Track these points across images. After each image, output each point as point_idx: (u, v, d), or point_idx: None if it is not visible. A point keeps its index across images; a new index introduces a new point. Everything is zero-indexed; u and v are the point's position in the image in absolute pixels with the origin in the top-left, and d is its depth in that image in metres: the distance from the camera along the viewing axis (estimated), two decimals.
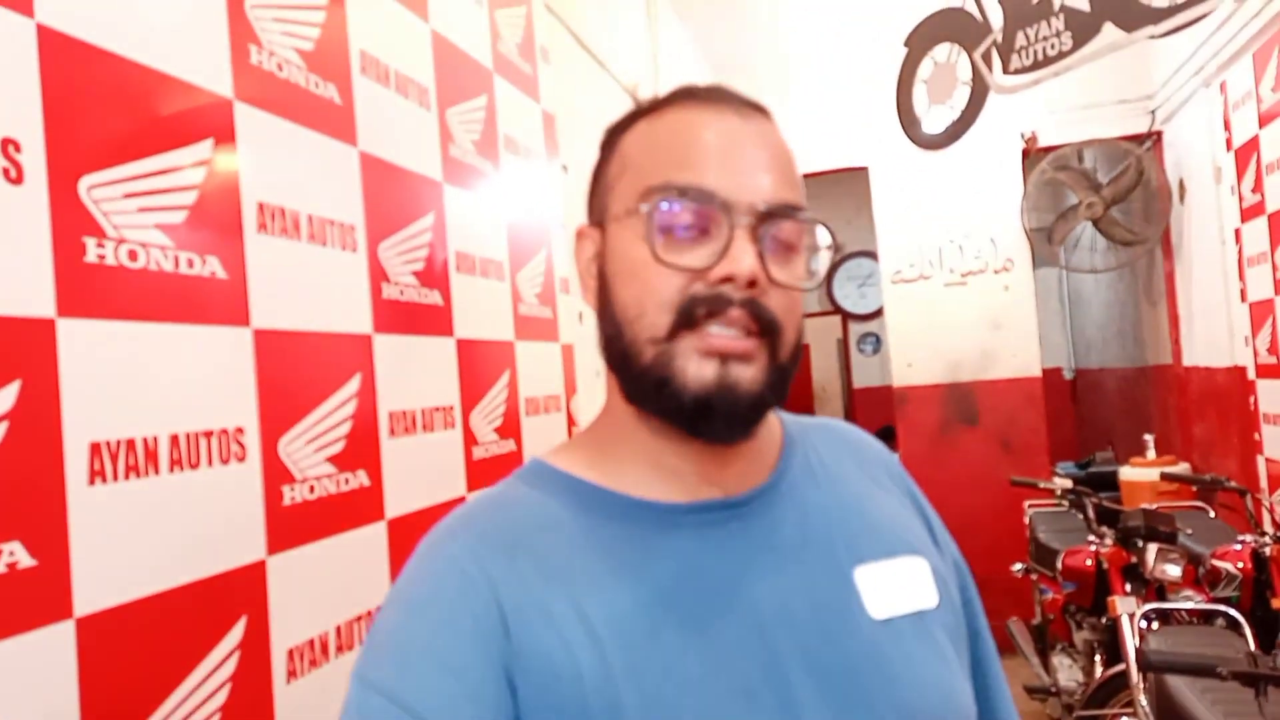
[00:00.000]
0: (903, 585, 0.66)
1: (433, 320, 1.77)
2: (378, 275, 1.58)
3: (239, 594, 1.21)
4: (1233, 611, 2.41)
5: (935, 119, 3.31)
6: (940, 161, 4.97)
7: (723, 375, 0.60)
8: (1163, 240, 4.80)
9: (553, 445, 2.16)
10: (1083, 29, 2.36)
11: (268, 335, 1.29)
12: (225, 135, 1.24)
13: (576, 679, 0.57)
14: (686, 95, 0.67)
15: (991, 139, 4.67)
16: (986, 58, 2.79)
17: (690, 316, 0.60)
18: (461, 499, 1.83)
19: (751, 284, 0.60)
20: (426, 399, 1.72)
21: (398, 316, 1.63)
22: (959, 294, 5.03)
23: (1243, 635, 2.35)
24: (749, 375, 0.61)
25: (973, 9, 2.80)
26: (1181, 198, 4.56)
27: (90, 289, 1.01)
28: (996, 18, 2.68)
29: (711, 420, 0.61)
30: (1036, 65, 2.54)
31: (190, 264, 1.15)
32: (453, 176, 1.89)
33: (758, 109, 0.68)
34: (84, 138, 1.03)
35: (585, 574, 0.61)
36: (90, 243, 1.01)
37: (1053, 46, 2.44)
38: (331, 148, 1.49)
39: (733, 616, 0.61)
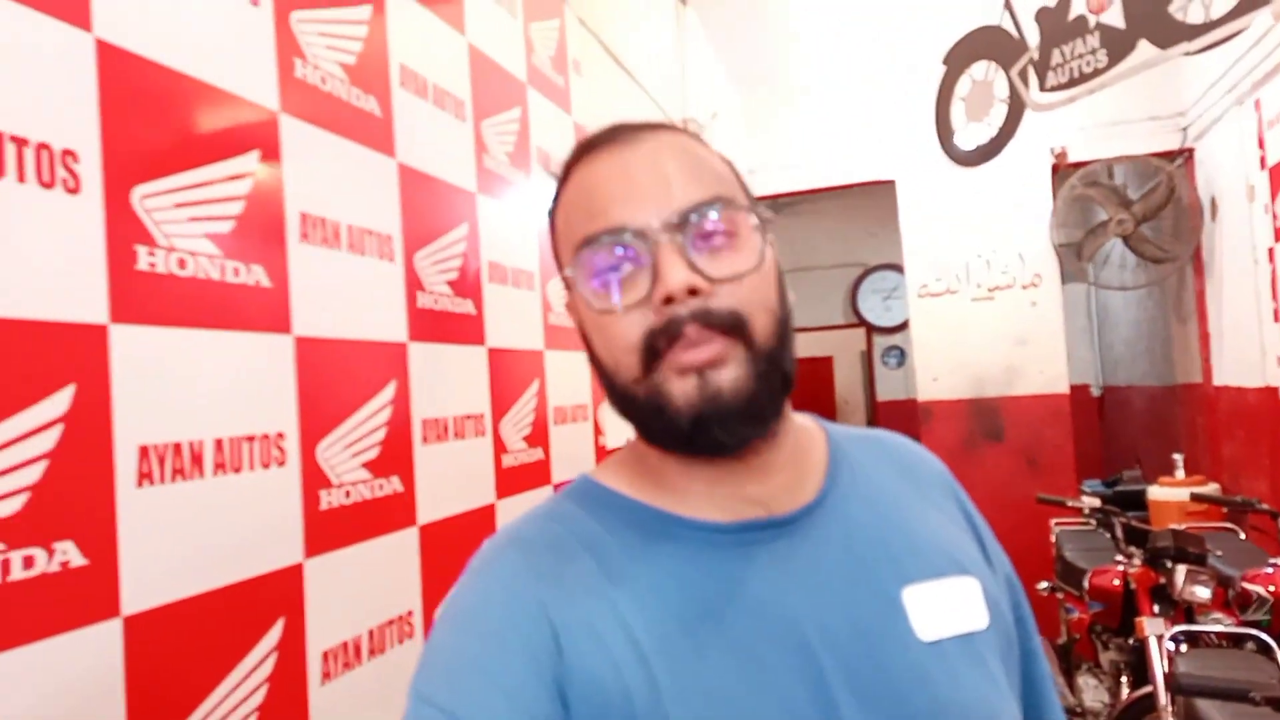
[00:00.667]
0: (952, 606, 0.65)
1: (465, 329, 1.79)
2: (413, 284, 1.61)
3: (277, 596, 1.23)
4: (1264, 636, 2.38)
5: (972, 136, 3.30)
6: (969, 176, 4.95)
7: (702, 386, 0.61)
8: (1193, 258, 4.76)
9: (579, 455, 2.17)
10: (1118, 46, 2.35)
11: (308, 343, 1.32)
12: (271, 147, 1.27)
13: (626, 699, 0.58)
14: (583, 150, 0.69)
15: (1021, 154, 4.65)
16: (1023, 75, 2.78)
17: (654, 349, 0.61)
18: (491, 506, 1.85)
19: (693, 292, 0.60)
20: (458, 407, 1.74)
21: (432, 325, 1.66)
22: (986, 309, 5.01)
23: (1274, 660, 2.31)
24: (729, 376, 0.61)
25: (1010, 27, 2.80)
26: (1213, 215, 4.52)
27: (141, 296, 1.04)
28: (1033, 35, 2.67)
29: (709, 432, 0.61)
30: (1072, 82, 2.54)
31: (236, 272, 1.18)
32: (486, 187, 1.91)
33: (652, 128, 0.68)
34: (137, 149, 1.06)
35: (631, 593, 0.62)
36: (142, 251, 1.04)
37: (1088, 64, 2.43)
38: (371, 159, 1.51)
39: (778, 638, 0.61)
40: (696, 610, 0.61)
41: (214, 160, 1.16)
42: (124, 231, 1.02)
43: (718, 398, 0.60)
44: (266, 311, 1.24)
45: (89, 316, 0.98)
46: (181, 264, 1.10)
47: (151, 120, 1.08)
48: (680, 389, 0.61)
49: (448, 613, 0.64)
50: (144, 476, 1.03)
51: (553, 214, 0.72)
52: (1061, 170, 4.88)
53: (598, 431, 2.47)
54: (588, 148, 0.68)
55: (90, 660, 0.95)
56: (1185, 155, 4.70)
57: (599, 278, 0.64)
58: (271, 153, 1.27)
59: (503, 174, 2.00)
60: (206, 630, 1.10)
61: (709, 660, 0.60)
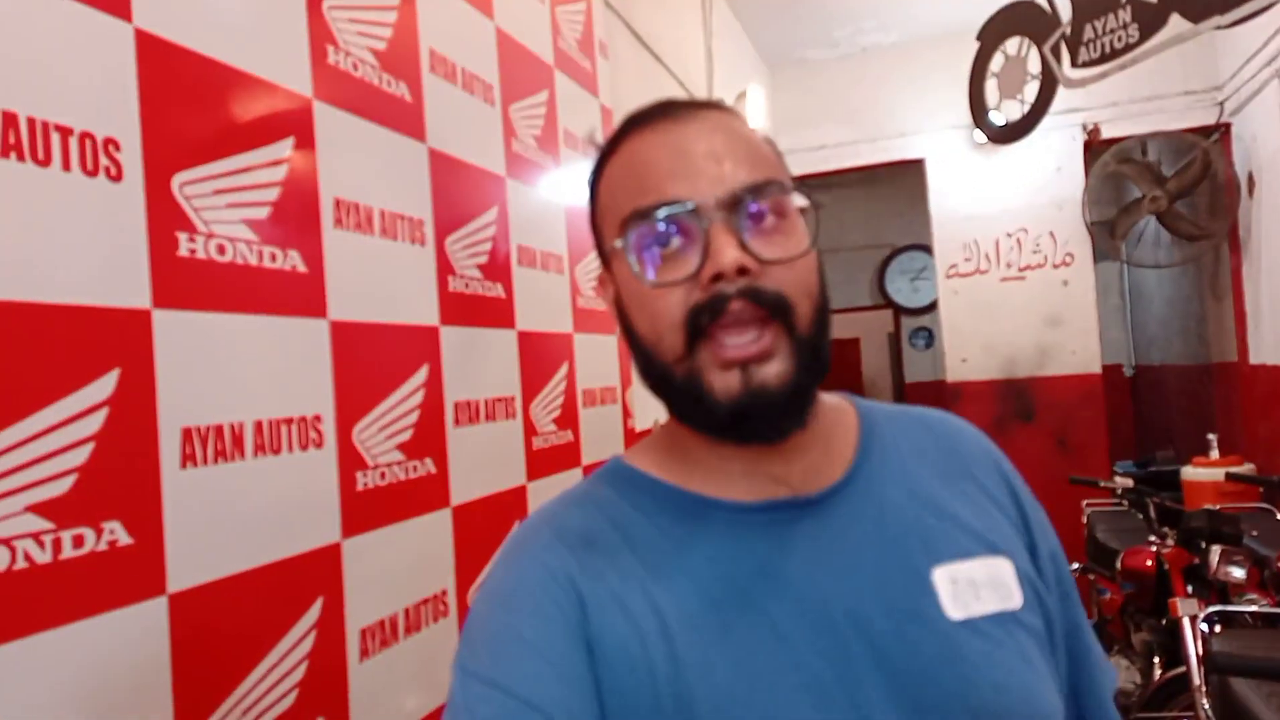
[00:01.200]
0: (984, 586, 0.64)
1: (496, 312, 1.81)
2: (444, 269, 1.63)
3: (316, 575, 1.26)
4: None
5: (1006, 112, 3.27)
6: (999, 154, 4.89)
7: (746, 381, 0.61)
8: (1229, 235, 4.67)
9: (609, 437, 2.18)
10: (1150, 20, 2.31)
11: (343, 326, 1.34)
12: (305, 133, 1.28)
13: (650, 670, 0.59)
14: (632, 123, 0.69)
15: (1053, 131, 4.58)
16: (1055, 51, 2.74)
17: (698, 327, 0.61)
18: (522, 488, 1.87)
19: (742, 271, 0.60)
20: (489, 389, 1.76)
21: (463, 309, 1.67)
22: (1016, 289, 4.96)
23: None
24: (774, 371, 0.61)
25: (1043, 1, 2.76)
26: (1250, 191, 4.43)
27: (182, 281, 1.06)
28: (1066, 10, 2.63)
29: (752, 424, 0.62)
30: (1104, 58, 2.50)
31: (274, 258, 1.20)
32: (515, 171, 1.92)
33: (702, 106, 0.69)
34: (177, 136, 1.07)
35: (659, 571, 0.63)
36: (182, 237, 1.06)
37: (1120, 39, 2.39)
38: (402, 144, 1.53)
39: (805, 617, 0.61)
40: (724, 589, 0.62)
41: (251, 147, 1.18)
42: (165, 218, 1.04)
43: (763, 392, 0.61)
44: (303, 296, 1.26)
45: (132, 302, 1.00)
46: (220, 250, 1.12)
47: (190, 108, 1.10)
48: (722, 382, 0.62)
49: (485, 592, 0.66)
50: (187, 458, 1.05)
51: (594, 185, 0.72)
52: (1094, 147, 4.81)
53: (626, 414, 2.48)
54: (637, 121, 0.68)
55: (138, 636, 0.98)
56: (1221, 130, 4.61)
57: (648, 251, 0.64)
58: (306, 139, 1.28)
59: (531, 157, 2.01)
60: (249, 608, 1.13)
61: (734, 637, 0.60)
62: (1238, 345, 4.79)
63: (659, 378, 0.66)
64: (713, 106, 0.69)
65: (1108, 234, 4.79)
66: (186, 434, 1.06)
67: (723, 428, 0.64)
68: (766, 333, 0.61)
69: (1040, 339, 4.93)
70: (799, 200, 0.66)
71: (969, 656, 0.61)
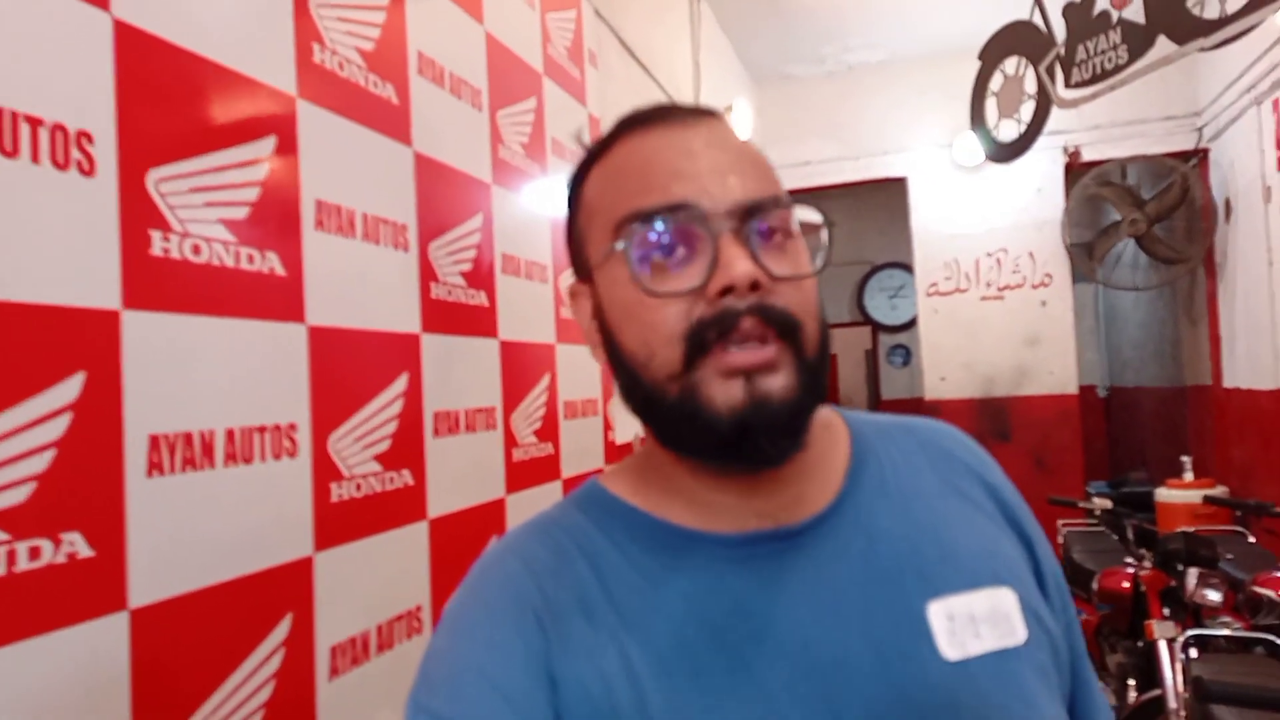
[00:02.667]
0: (984, 621, 0.59)
1: (478, 321, 1.77)
2: (427, 275, 1.59)
3: (286, 590, 1.21)
4: (1276, 639, 2.36)
5: (1005, 131, 3.28)
6: (981, 174, 4.93)
7: (751, 391, 0.56)
8: (1206, 259, 4.72)
9: (589, 450, 2.14)
10: (1138, 42, 2.33)
11: (322, 332, 1.29)
12: (288, 133, 1.24)
13: (615, 713, 0.55)
14: (629, 124, 0.64)
15: (1035, 153, 4.59)
16: (1050, 71, 2.76)
17: (702, 342, 0.56)
18: (501, 501, 1.82)
19: (754, 286, 0.56)
20: (470, 399, 1.72)
21: (445, 316, 1.64)
22: (995, 308, 4.98)
23: None
24: (779, 384, 0.56)
25: (1039, 22, 2.77)
26: (1227, 217, 4.48)
27: (155, 282, 1.02)
28: (1061, 31, 2.65)
29: (753, 440, 0.57)
30: (1095, 79, 2.51)
31: (251, 259, 1.16)
32: (501, 178, 1.89)
33: (704, 114, 0.64)
34: (154, 131, 1.03)
35: (629, 609, 0.58)
36: (156, 236, 1.02)
37: (1110, 60, 2.40)
38: (387, 147, 1.49)
39: (784, 660, 0.56)
40: (698, 632, 0.57)
41: (230, 145, 1.14)
42: (138, 215, 1.00)
43: (767, 403, 0.56)
44: (280, 300, 1.22)
45: (101, 302, 0.95)
46: (196, 250, 1.07)
47: (168, 103, 1.06)
48: (724, 392, 0.56)
49: (447, 623, 0.62)
50: (154, 466, 1.01)
51: (578, 188, 0.66)
52: (1075, 170, 4.85)
53: (607, 426, 2.44)
54: (635, 122, 0.64)
55: (96, 654, 0.93)
56: (1200, 155, 4.67)
57: (647, 257, 0.59)
58: (288, 138, 1.24)
59: (517, 165, 1.97)
60: (214, 624, 1.08)
61: (707, 682, 0.56)
62: (1212, 369, 4.84)
63: (645, 398, 0.60)
64: (712, 115, 0.65)
65: (1086, 256, 4.83)
66: (154, 441, 1.01)
67: (721, 445, 0.58)
68: (771, 345, 0.57)
69: (1019, 359, 4.95)
70: (810, 216, 0.62)
71: (966, 702, 0.57)
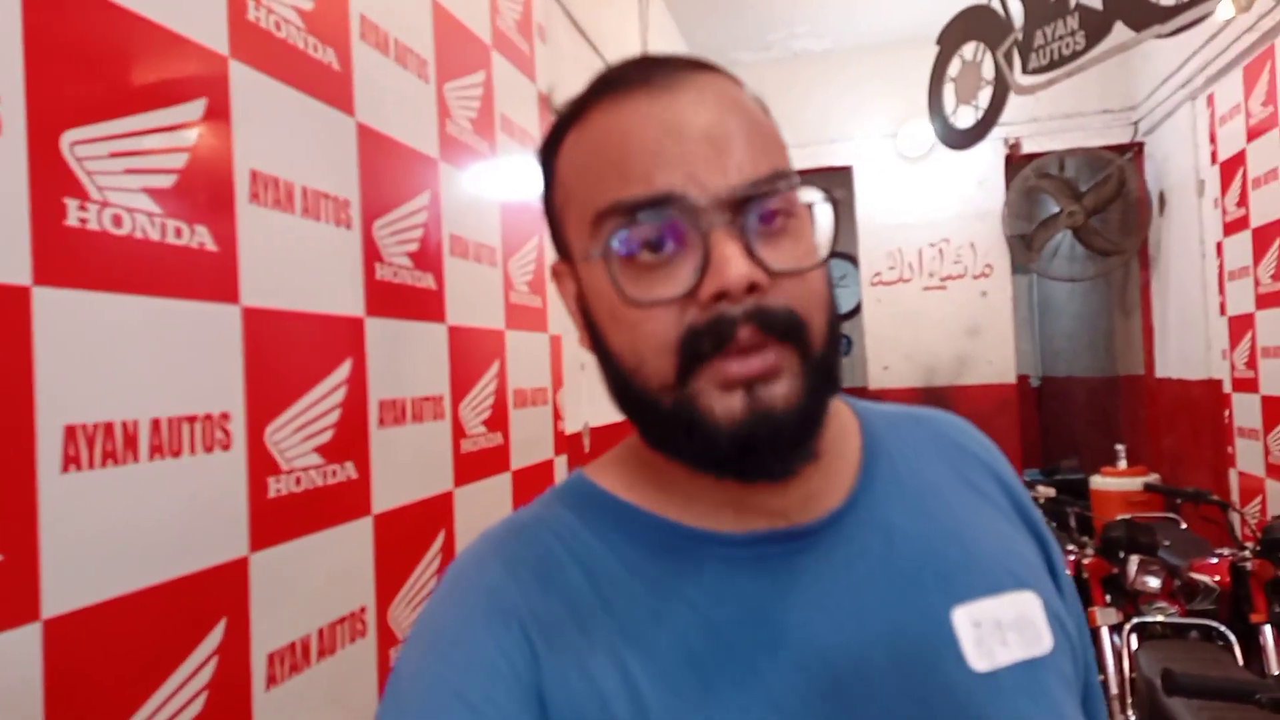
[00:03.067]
0: (1011, 628, 0.55)
1: (426, 305, 1.68)
2: (371, 255, 1.49)
3: (219, 594, 1.12)
4: (1223, 628, 2.41)
5: (962, 118, 3.27)
6: (925, 164, 4.96)
7: (752, 403, 0.50)
8: (1140, 251, 4.83)
9: (539, 440, 2.04)
10: (1095, 28, 2.34)
11: (257, 314, 1.20)
12: (219, 95, 1.14)
13: None
14: (606, 86, 0.56)
15: (977, 145, 4.67)
16: (1008, 57, 2.76)
17: (696, 353, 0.51)
18: (448, 494, 1.74)
19: (751, 289, 0.50)
20: (417, 388, 1.63)
21: (390, 299, 1.54)
22: (938, 298, 5.03)
23: (1229, 649, 2.34)
24: (782, 392, 0.51)
25: (998, 7, 2.76)
26: (1161, 209, 4.59)
27: (70, 255, 0.91)
28: (1019, 16, 2.64)
29: (757, 455, 0.51)
30: (1052, 64, 2.51)
31: (179, 233, 1.06)
32: (449, 155, 1.80)
33: (691, 69, 0.56)
34: (68, 90, 0.93)
35: (628, 617, 0.53)
36: (72, 205, 0.92)
37: (1067, 46, 2.41)
38: (328, 116, 1.39)
39: (799, 672, 0.51)
40: (706, 642, 0.52)
41: (155, 107, 1.03)
42: (51, 182, 0.89)
43: (770, 416, 0.50)
44: (212, 278, 1.12)
45: (9, 277, 0.85)
46: (117, 221, 0.97)
47: (85, 59, 0.95)
48: (723, 405, 0.50)
49: (421, 634, 0.55)
50: (70, 460, 0.91)
51: (551, 161, 0.59)
52: (1015, 162, 4.92)
53: (557, 416, 2.37)
54: (612, 83, 0.55)
55: (4, 670, 0.83)
56: (1135, 149, 4.76)
57: (631, 256, 0.52)
58: (220, 102, 1.14)
59: (466, 141, 1.88)
60: (139, 634, 0.99)
61: (716, 698, 0.50)
62: (1144, 359, 4.96)
63: (637, 405, 0.55)
64: (705, 67, 0.57)
65: (1025, 247, 4.90)
66: (70, 433, 0.91)
67: (722, 461, 0.52)
68: (771, 350, 0.51)
69: (959, 348, 5.01)
70: (811, 195, 0.55)
71: (996, 717, 0.52)
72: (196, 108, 1.10)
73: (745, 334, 0.50)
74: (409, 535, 1.59)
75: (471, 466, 1.84)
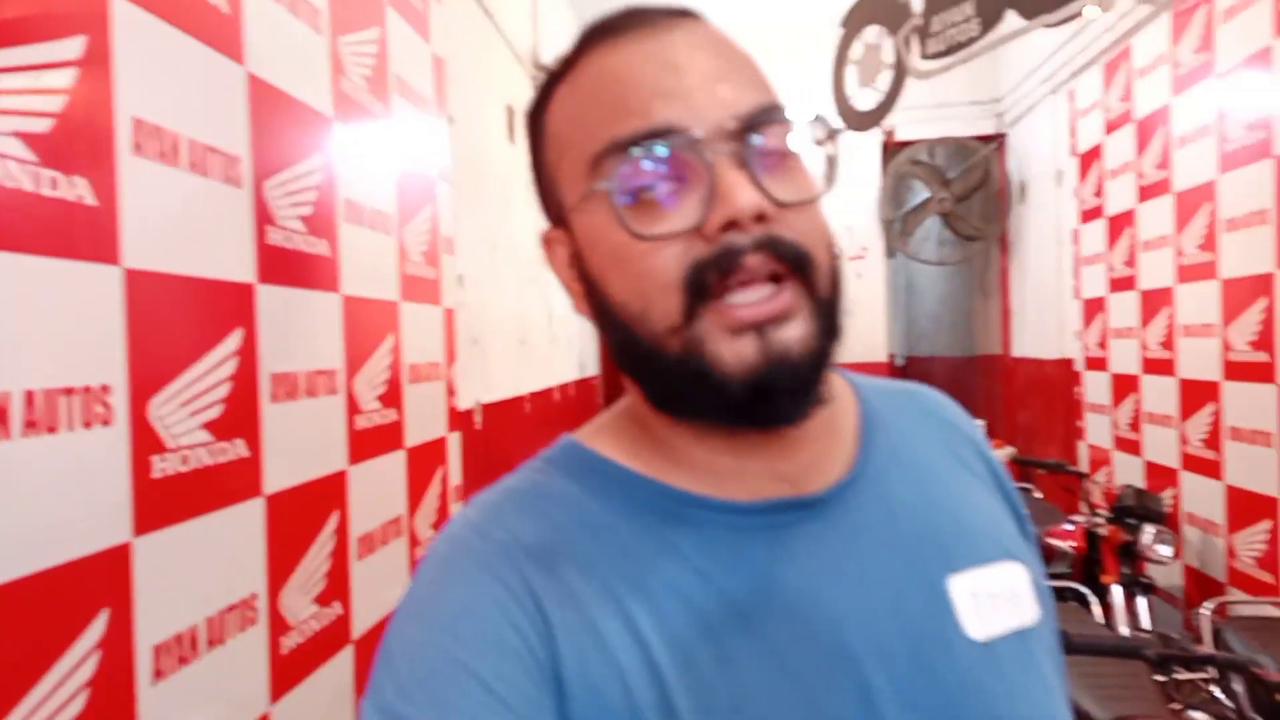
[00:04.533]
0: (1002, 598, 0.55)
1: (319, 273, 1.58)
2: (263, 217, 1.39)
3: (100, 583, 1.02)
4: (1082, 588, 2.58)
5: (864, 100, 3.33)
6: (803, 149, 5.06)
7: (765, 347, 0.49)
8: (1000, 237, 5.10)
9: (432, 416, 1.98)
10: (989, 15, 2.42)
11: (140, 276, 1.09)
12: (99, 33, 1.03)
13: (635, 715, 0.47)
14: (596, 35, 0.55)
15: (854, 132, 4.81)
16: (908, 41, 2.83)
17: (702, 287, 0.49)
18: (342, 474, 1.65)
19: (760, 218, 0.49)
20: (310, 360, 1.54)
21: (283, 265, 1.44)
22: None
23: (1087, 608, 2.52)
24: (796, 334, 0.49)
25: None
26: (1022, 198, 4.85)
27: None
28: (919, 1, 2.71)
29: (774, 401, 0.50)
30: (949, 50, 2.59)
31: (54, 184, 0.95)
32: (344, 113, 1.69)
33: (682, 13, 0.55)
34: None
35: (640, 589, 0.50)
36: None
37: (963, 32, 2.49)
38: (217, 63, 1.28)
39: (815, 640, 0.50)
40: (720, 611, 0.50)
41: (26, 42, 0.92)
42: None
43: (786, 358, 0.49)
44: (90, 235, 1.01)
45: None
46: None
47: None
48: (733, 350, 0.49)
49: (417, 608, 0.50)
50: None
51: (540, 118, 0.57)
52: (890, 148, 5.09)
53: (451, 392, 2.29)
54: (602, 31, 0.54)
55: None
56: (1000, 140, 5.01)
57: (633, 193, 0.50)
58: (100, 40, 1.02)
59: (361, 100, 1.78)
60: (11, 629, 0.89)
61: (734, 668, 0.49)
62: (1002, 339, 5.26)
63: (643, 356, 0.52)
64: (692, 15, 0.55)
65: (897, 231, 5.09)
66: None
67: (735, 410, 0.50)
68: (784, 289, 0.49)
69: None
70: (813, 132, 0.54)
71: (995, 688, 0.52)
72: (75, 45, 0.98)
73: (755, 261, 0.49)
74: (301, 517, 1.50)
75: (366, 444, 1.76)
